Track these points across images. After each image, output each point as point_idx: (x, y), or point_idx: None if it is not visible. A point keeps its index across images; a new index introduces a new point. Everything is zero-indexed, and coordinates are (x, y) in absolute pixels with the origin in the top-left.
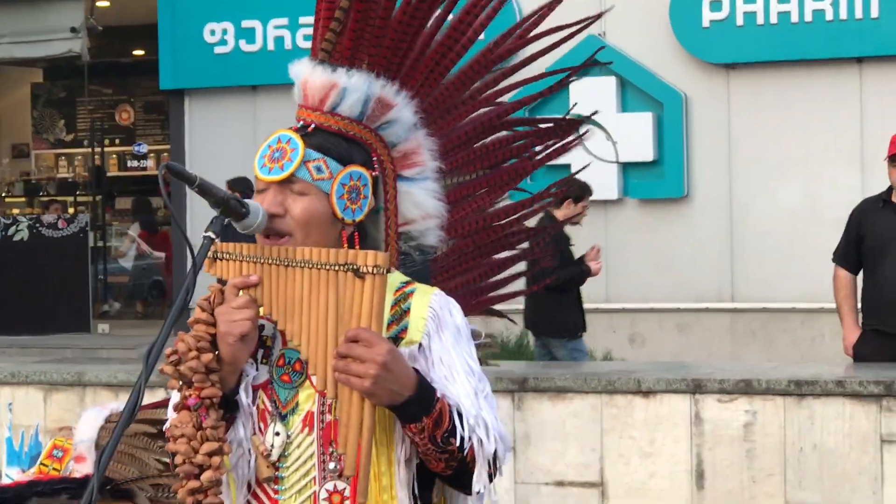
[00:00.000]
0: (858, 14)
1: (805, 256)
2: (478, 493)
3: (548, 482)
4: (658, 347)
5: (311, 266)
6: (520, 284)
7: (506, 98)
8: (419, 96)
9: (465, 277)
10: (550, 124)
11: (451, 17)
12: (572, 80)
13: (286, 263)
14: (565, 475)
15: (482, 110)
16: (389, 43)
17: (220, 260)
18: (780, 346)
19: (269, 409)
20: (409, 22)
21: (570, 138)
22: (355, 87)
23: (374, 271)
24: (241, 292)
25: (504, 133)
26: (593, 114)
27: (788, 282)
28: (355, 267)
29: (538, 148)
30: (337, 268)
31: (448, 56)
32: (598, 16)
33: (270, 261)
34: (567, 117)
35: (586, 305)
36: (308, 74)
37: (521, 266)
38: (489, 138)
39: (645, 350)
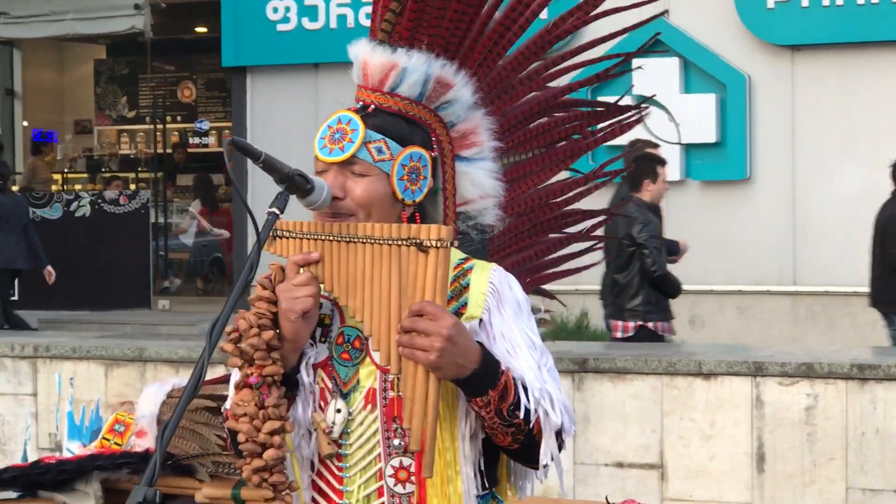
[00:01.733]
0: None
1: (867, 240)
2: (545, 466)
3: (607, 463)
4: (718, 329)
5: (373, 241)
6: (573, 264)
7: (566, 79)
8: (477, 76)
9: (521, 255)
10: (605, 107)
11: None
12: (633, 66)
13: (347, 239)
14: (625, 456)
15: (539, 91)
16: (448, 24)
17: (280, 238)
18: (842, 330)
19: (330, 387)
20: (468, 2)
21: (627, 118)
22: (415, 67)
23: (438, 245)
24: (301, 269)
25: (561, 113)
26: (652, 96)
27: (850, 265)
28: (418, 241)
29: (596, 127)
30: (399, 242)
31: (506, 36)
32: None
33: (331, 237)
34: (622, 101)
35: None
36: (368, 55)
37: (579, 246)
38: (546, 118)
39: (705, 332)
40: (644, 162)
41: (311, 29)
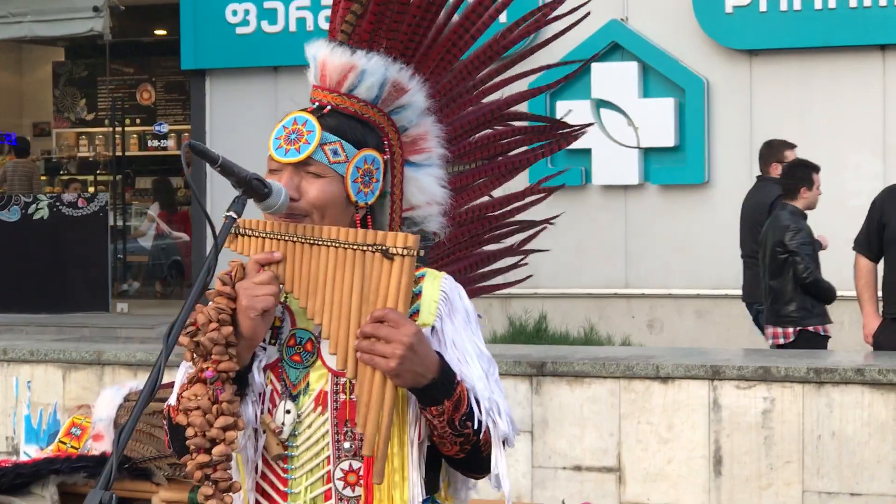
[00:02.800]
0: (883, 1)
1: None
2: (496, 475)
3: (565, 466)
4: (676, 333)
5: (337, 245)
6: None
7: (523, 84)
8: (430, 81)
9: (457, 266)
10: (546, 122)
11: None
12: (583, 67)
13: (311, 241)
14: (582, 460)
15: (487, 99)
16: (407, 28)
17: (243, 236)
18: None
19: (279, 388)
20: (427, 7)
21: (566, 134)
22: (374, 70)
23: (405, 253)
24: (263, 268)
25: (502, 127)
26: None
27: None
28: (385, 248)
29: (535, 144)
30: (365, 248)
31: (459, 43)
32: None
33: (295, 238)
34: (558, 119)
35: (604, 291)
36: (327, 55)
37: (511, 260)
38: (491, 129)
39: (663, 336)
40: (800, 169)
41: (270, 32)
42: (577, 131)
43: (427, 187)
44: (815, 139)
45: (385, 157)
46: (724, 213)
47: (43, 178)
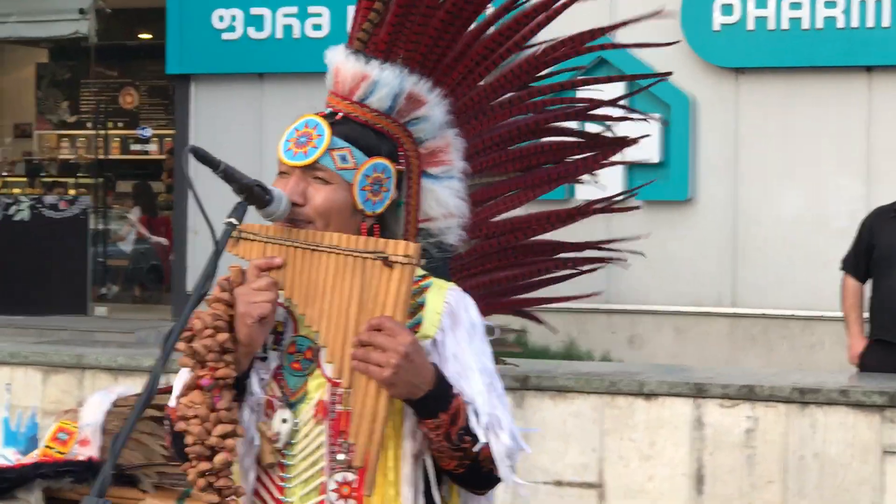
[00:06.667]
0: (870, 23)
1: (807, 264)
2: (514, 485)
3: (546, 481)
4: (656, 350)
5: (338, 252)
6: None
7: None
8: (454, 96)
9: (485, 278)
10: (589, 139)
11: (495, 21)
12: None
13: (312, 248)
14: (564, 475)
15: (521, 116)
16: (428, 41)
17: (244, 240)
18: (779, 353)
19: (278, 395)
20: (451, 21)
21: (607, 152)
22: (386, 80)
23: (405, 261)
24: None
25: (544, 139)
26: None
27: (790, 289)
28: (385, 256)
29: (576, 158)
30: (365, 255)
31: (490, 58)
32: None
33: (297, 244)
34: (609, 136)
35: (584, 306)
36: (341, 62)
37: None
38: (527, 143)
39: (644, 352)
40: None
41: (256, 38)
42: (615, 146)
43: (445, 200)
44: (799, 159)
45: (399, 167)
46: (706, 229)
47: (23, 179)
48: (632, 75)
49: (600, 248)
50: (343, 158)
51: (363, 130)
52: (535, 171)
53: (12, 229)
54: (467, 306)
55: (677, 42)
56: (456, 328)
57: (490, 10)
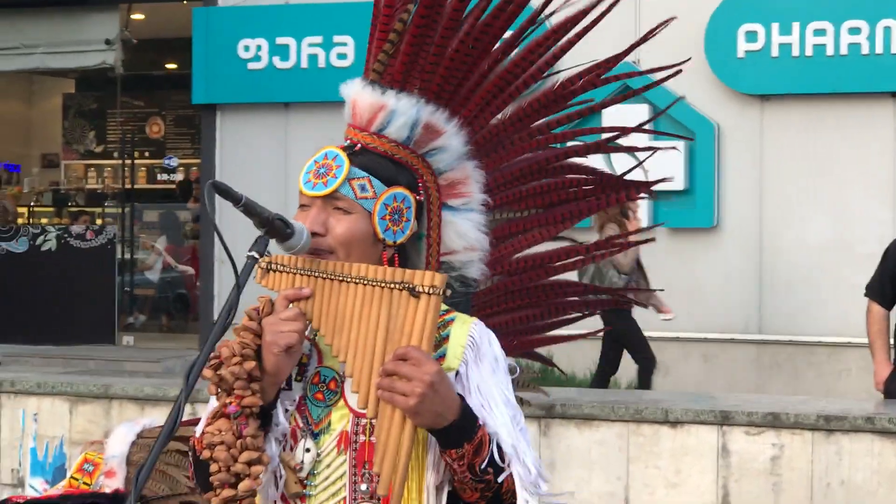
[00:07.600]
0: (894, 49)
1: (834, 290)
2: None
3: None
4: (683, 377)
5: (365, 282)
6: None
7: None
8: (472, 127)
9: (508, 316)
10: (610, 179)
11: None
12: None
13: (341, 278)
14: (590, 502)
15: (541, 150)
16: (444, 71)
17: (274, 271)
18: (806, 380)
19: (301, 426)
20: (467, 52)
21: (630, 190)
22: (403, 110)
23: (431, 292)
24: (290, 304)
25: (565, 176)
26: (653, 153)
27: (816, 315)
28: (411, 286)
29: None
30: (392, 286)
31: (506, 91)
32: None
33: (325, 275)
34: (631, 178)
35: None
36: (357, 94)
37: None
38: (546, 179)
39: (670, 379)
40: None
41: (281, 68)
42: (638, 188)
43: (466, 232)
44: (825, 185)
45: (419, 197)
46: (732, 257)
47: (51, 209)
48: (641, 88)
49: (622, 296)
50: (362, 188)
51: (382, 161)
52: (557, 207)
53: (40, 259)
54: (491, 340)
55: (689, 60)
56: (480, 361)
57: (507, 34)
